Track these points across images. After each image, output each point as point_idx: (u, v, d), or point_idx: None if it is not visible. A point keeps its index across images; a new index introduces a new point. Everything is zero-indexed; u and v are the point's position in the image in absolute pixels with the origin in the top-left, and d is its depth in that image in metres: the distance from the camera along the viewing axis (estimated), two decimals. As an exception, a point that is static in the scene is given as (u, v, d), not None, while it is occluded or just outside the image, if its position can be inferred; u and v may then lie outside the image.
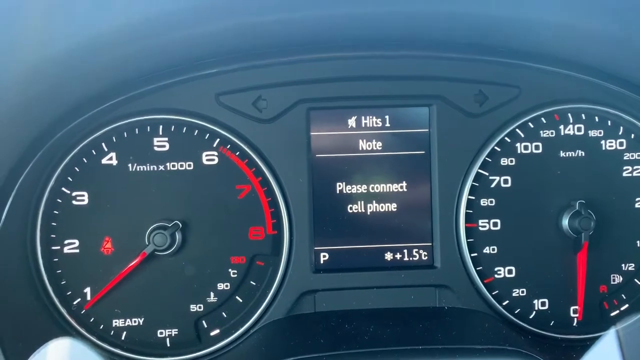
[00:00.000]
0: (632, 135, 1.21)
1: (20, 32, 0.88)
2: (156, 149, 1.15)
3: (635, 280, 1.22)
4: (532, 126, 1.19)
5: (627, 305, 1.22)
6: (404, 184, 1.20)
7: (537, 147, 1.19)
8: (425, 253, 1.20)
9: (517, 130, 1.19)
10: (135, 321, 1.16)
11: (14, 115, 0.95)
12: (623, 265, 1.21)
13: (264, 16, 0.95)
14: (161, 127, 1.16)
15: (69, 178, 1.14)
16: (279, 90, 1.15)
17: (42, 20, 0.88)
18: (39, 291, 1.13)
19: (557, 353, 1.16)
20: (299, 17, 0.99)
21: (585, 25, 1.01)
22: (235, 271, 1.17)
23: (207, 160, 1.16)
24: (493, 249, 1.19)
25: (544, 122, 1.19)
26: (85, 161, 1.14)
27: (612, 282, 1.21)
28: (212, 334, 1.17)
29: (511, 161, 1.19)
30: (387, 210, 1.20)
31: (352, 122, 1.19)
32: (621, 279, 1.21)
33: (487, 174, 1.19)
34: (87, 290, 1.15)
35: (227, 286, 1.17)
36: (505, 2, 0.98)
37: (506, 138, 1.18)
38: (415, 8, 1.00)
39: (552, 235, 1.19)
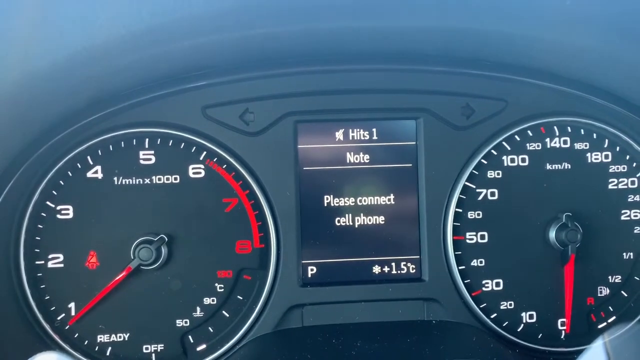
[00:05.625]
0: (617, 148, 1.22)
1: (4, 46, 0.87)
2: (142, 162, 1.15)
3: (622, 292, 1.22)
4: (518, 139, 1.20)
5: (614, 317, 1.22)
6: (392, 196, 1.20)
7: (523, 160, 1.20)
8: (413, 266, 1.20)
9: (504, 143, 1.19)
10: (120, 337, 1.15)
11: (-3, 127, 0.94)
12: (610, 277, 1.21)
13: (251, 30, 0.95)
14: (147, 140, 1.15)
15: (53, 192, 1.13)
16: (266, 103, 1.15)
17: (27, 34, 0.87)
18: (22, 306, 1.12)
19: (545, 366, 1.16)
20: (287, 31, 0.99)
21: (572, 40, 1.02)
22: (222, 285, 1.16)
23: (194, 173, 1.16)
24: (481, 262, 1.19)
25: (531, 135, 1.20)
26: (70, 174, 1.13)
27: (599, 294, 1.21)
28: (198, 349, 1.16)
29: (498, 174, 1.19)
30: (374, 223, 1.19)
31: (339, 134, 1.19)
32: (608, 291, 1.21)
33: (474, 186, 1.19)
34: (72, 305, 1.14)
35: (213, 301, 1.16)
36: (492, 17, 0.99)
37: (493, 151, 1.19)
38: (404, 23, 1.00)
39: (539, 248, 1.19)
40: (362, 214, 1.19)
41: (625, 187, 1.21)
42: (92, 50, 0.89)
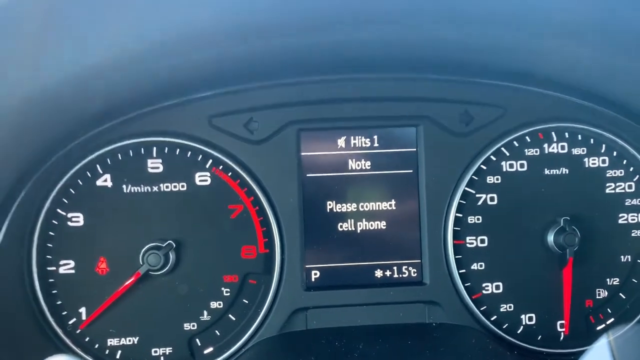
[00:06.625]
0: (614, 153, 1.23)
1: (15, 57, 0.90)
2: (150, 170, 1.17)
3: (620, 294, 1.23)
4: (517, 145, 1.22)
5: (612, 319, 1.23)
6: (393, 202, 1.22)
7: (522, 165, 1.22)
8: (415, 270, 1.22)
9: (503, 149, 1.21)
10: (129, 340, 1.17)
11: (9, 138, 0.96)
12: (608, 279, 1.23)
13: (255, 43, 0.97)
14: (155, 149, 1.18)
15: (64, 200, 1.16)
16: (270, 112, 1.17)
17: (36, 46, 0.89)
18: (35, 311, 1.14)
19: (544, 368, 1.18)
20: (290, 43, 1.01)
21: (570, 48, 1.03)
22: (228, 290, 1.18)
23: (200, 181, 1.18)
24: (481, 265, 1.21)
25: (529, 140, 1.22)
26: (81, 183, 1.16)
27: (597, 297, 1.23)
28: (205, 352, 1.18)
29: (497, 179, 1.21)
30: (376, 228, 1.22)
31: (341, 142, 1.22)
32: (606, 293, 1.23)
33: (473, 191, 1.21)
34: (83, 310, 1.16)
35: (220, 305, 1.18)
36: (491, 26, 1.00)
37: (492, 157, 1.21)
38: (404, 35, 1.02)
39: (538, 251, 1.21)
40: (364, 219, 1.22)
41: (622, 191, 1.23)
42: (101, 63, 0.91)
